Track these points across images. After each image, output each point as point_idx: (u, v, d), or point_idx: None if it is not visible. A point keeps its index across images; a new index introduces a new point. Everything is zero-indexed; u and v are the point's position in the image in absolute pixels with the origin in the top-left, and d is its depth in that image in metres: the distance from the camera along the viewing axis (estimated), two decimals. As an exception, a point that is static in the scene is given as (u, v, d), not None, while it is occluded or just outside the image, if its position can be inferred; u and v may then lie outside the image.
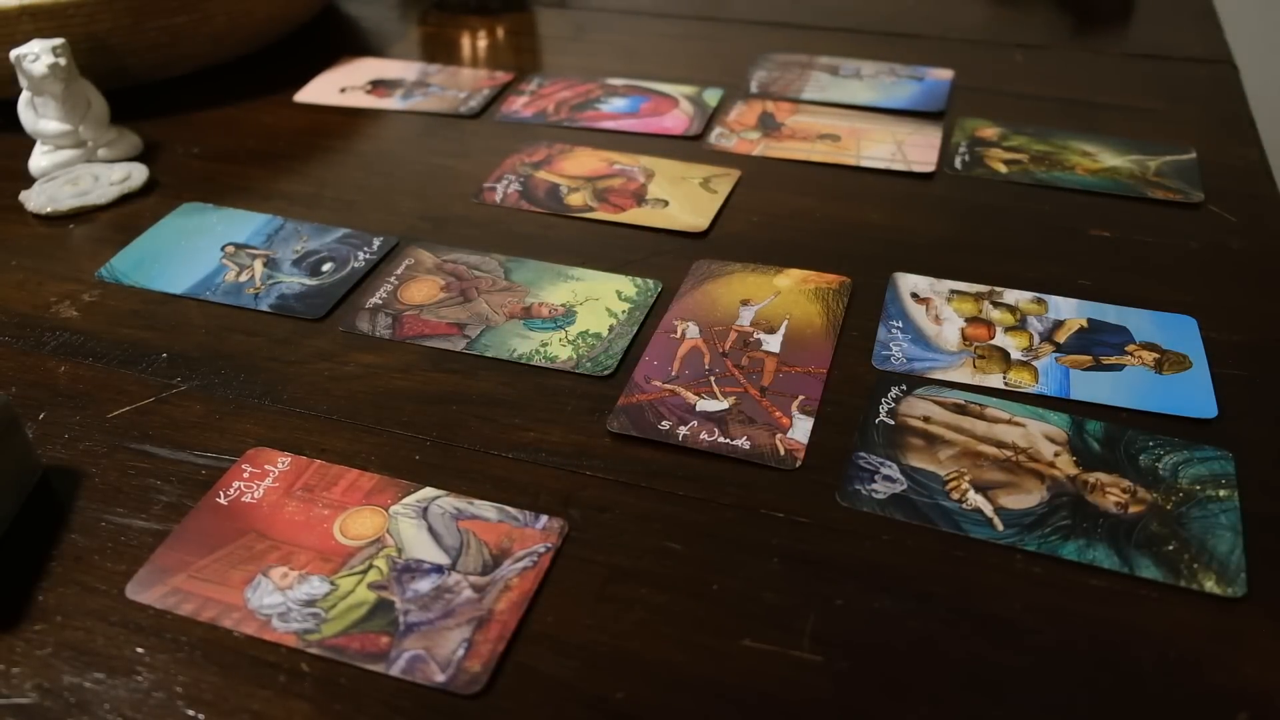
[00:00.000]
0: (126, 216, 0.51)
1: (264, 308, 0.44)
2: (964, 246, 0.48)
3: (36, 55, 0.52)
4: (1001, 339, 0.42)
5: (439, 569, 0.32)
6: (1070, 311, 0.43)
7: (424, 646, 0.30)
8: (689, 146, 0.57)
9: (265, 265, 0.47)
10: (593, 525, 0.34)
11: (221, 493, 0.35)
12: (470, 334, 0.42)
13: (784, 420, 0.38)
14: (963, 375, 0.40)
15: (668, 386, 0.39)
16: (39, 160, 0.54)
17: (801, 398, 0.39)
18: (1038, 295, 0.44)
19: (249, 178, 0.55)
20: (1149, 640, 0.30)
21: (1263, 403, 0.38)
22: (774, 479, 0.35)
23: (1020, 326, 0.42)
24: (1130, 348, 0.41)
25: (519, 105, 0.62)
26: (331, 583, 0.32)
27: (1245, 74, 0.64)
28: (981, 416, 0.38)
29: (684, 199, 0.51)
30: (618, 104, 0.61)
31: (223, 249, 0.48)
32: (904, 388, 0.39)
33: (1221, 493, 0.34)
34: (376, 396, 0.39)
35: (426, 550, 0.33)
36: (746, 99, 0.62)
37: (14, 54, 0.52)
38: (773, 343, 0.42)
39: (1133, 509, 0.34)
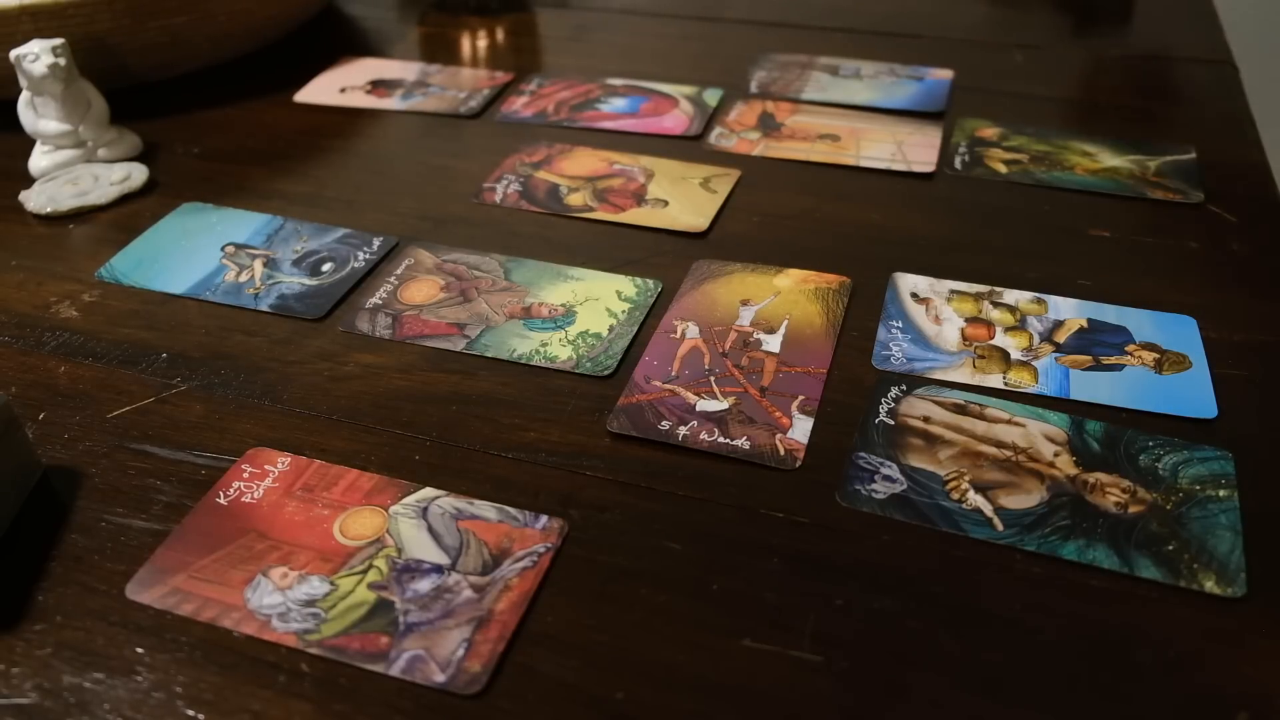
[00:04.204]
0: (126, 216, 0.51)
1: (264, 308, 0.44)
2: (964, 246, 0.48)
3: (36, 55, 0.52)
4: (1001, 339, 0.42)
5: (439, 569, 0.32)
6: (1070, 311, 0.43)
7: (424, 646, 0.30)
8: (689, 146, 0.57)
9: (265, 265, 0.47)
10: (593, 525, 0.34)
11: (221, 493, 0.35)
12: (470, 334, 0.42)
13: (784, 420, 0.38)
14: (963, 375, 0.40)
15: (668, 386, 0.39)
16: (39, 160, 0.54)
17: (801, 398, 0.39)
18: (1038, 295, 0.44)
19: (249, 178, 0.55)
20: (1149, 640, 0.30)
21: (1263, 403, 0.38)
22: (774, 479, 0.35)
23: (1020, 326, 0.42)
24: (1130, 348, 0.41)
25: (519, 105, 0.62)
26: (331, 583, 0.32)
27: (1245, 74, 0.64)
28: (981, 416, 0.38)
29: (684, 199, 0.51)
30: (617, 104, 0.61)
31: (223, 249, 0.48)
32: (904, 388, 0.39)
33: (1221, 493, 0.34)
34: (376, 396, 0.39)
35: (426, 550, 0.33)
36: (746, 99, 0.62)
37: (14, 54, 0.52)
38: (773, 343, 0.42)
39: (1133, 509, 0.34)
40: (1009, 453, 0.36)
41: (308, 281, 0.46)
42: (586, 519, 0.34)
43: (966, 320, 0.43)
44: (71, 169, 0.54)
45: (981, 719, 0.28)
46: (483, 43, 0.72)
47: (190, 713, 0.28)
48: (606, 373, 0.40)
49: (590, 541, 0.33)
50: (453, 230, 0.50)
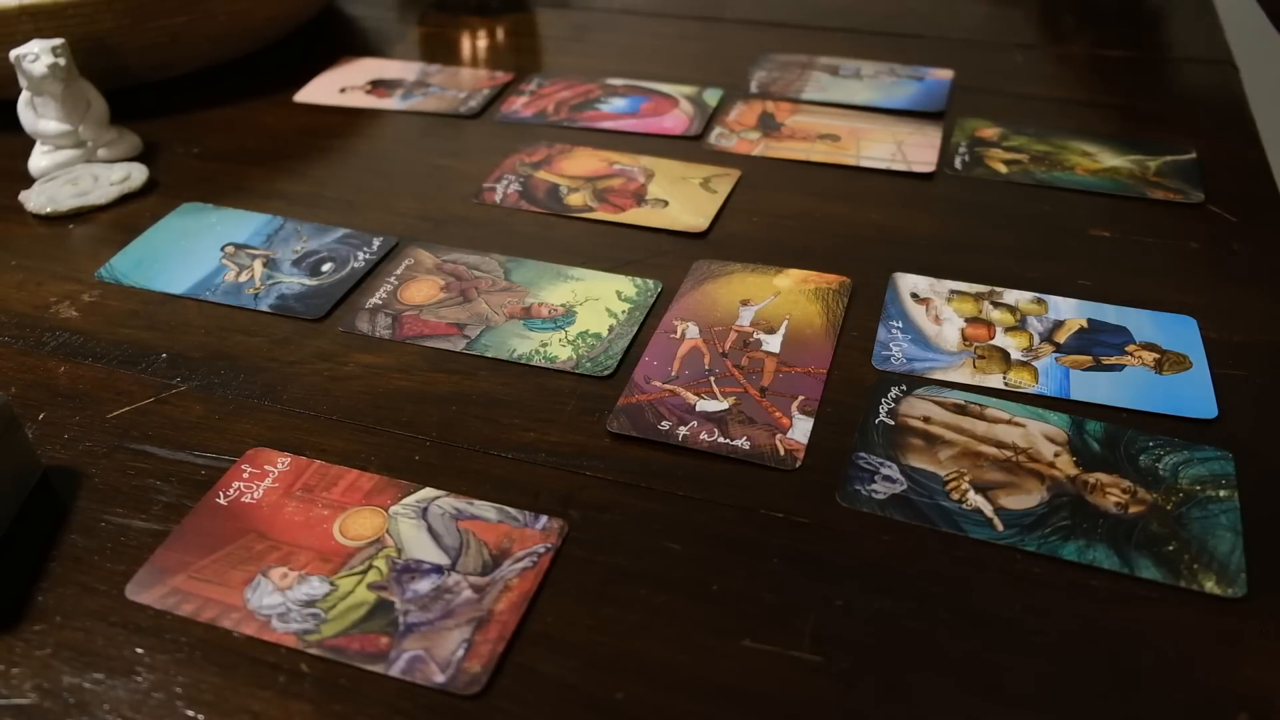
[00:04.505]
0: (126, 216, 0.51)
1: (264, 308, 0.44)
2: (964, 246, 0.48)
3: (36, 55, 0.52)
4: (1001, 339, 0.42)
5: (439, 569, 0.32)
6: (1070, 311, 0.43)
7: (424, 647, 0.30)
8: (689, 146, 0.57)
9: (265, 265, 0.47)
10: (593, 525, 0.34)
11: (221, 493, 0.35)
12: (470, 334, 0.42)
13: (784, 420, 0.38)
14: (963, 375, 0.40)
15: (667, 387, 0.39)
16: (39, 160, 0.54)
17: (801, 398, 0.39)
18: (1038, 295, 0.44)
19: (249, 178, 0.55)
20: (1149, 640, 0.30)
21: (1263, 403, 0.38)
22: (774, 479, 0.35)
23: (1020, 326, 0.42)
24: (1130, 348, 0.41)
25: (519, 105, 0.62)
26: (331, 583, 0.32)
27: (1245, 74, 0.64)
28: (981, 417, 0.38)
29: (684, 199, 0.51)
30: (617, 104, 0.61)
31: (222, 249, 0.48)
32: (904, 388, 0.39)
33: (1221, 493, 0.34)
34: (376, 396, 0.39)
35: (426, 550, 0.33)
36: (746, 99, 0.62)
37: (14, 54, 0.52)
38: (773, 343, 0.42)
39: (1133, 509, 0.34)
40: (1009, 453, 0.36)
41: (308, 281, 0.46)
42: (586, 519, 0.34)
43: (966, 320, 0.43)
44: (71, 169, 0.54)
45: (981, 719, 0.28)
46: (483, 43, 0.72)
47: (190, 713, 0.28)
48: (606, 373, 0.40)
49: (590, 542, 0.33)
50: (453, 230, 0.50)
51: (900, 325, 0.42)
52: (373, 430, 0.38)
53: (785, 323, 0.43)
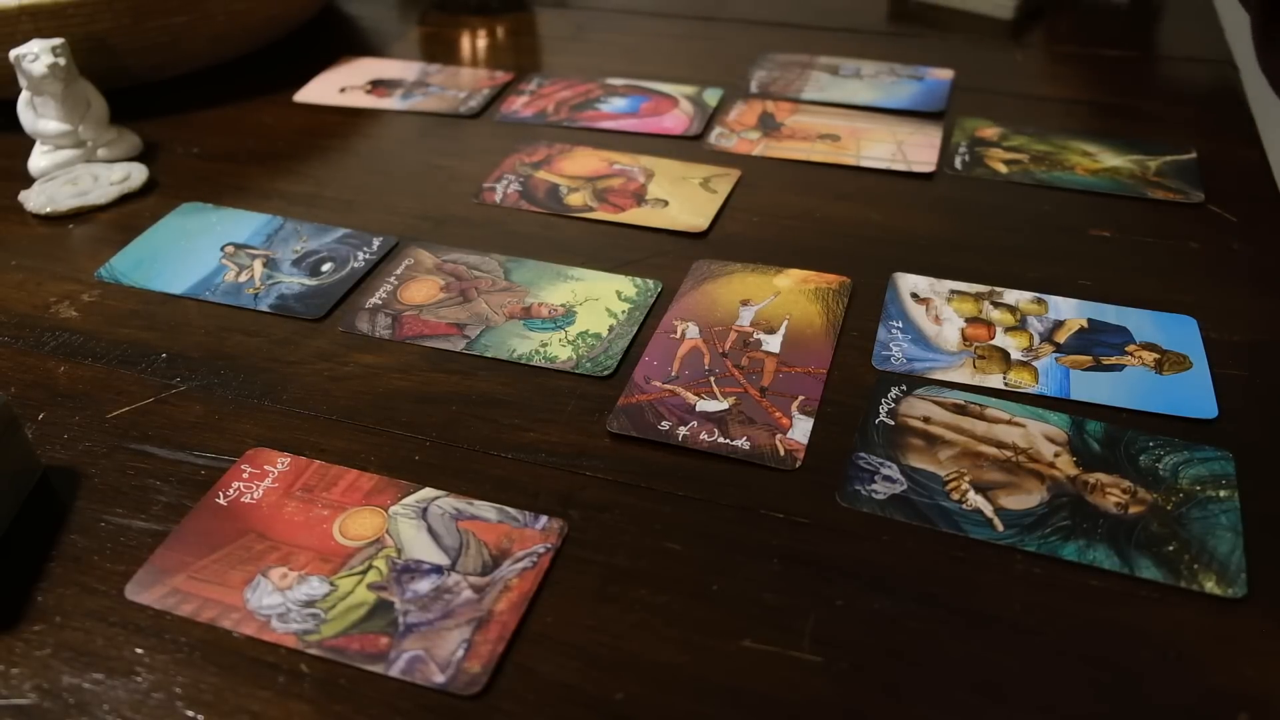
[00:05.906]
0: (126, 216, 0.51)
1: (264, 308, 0.44)
2: (964, 246, 0.48)
3: (36, 55, 0.52)
4: (1001, 339, 0.42)
5: (438, 569, 0.32)
6: (1070, 311, 0.43)
7: (423, 647, 0.30)
8: (689, 146, 0.57)
9: (265, 265, 0.47)
10: (593, 525, 0.34)
11: (221, 493, 0.35)
12: (470, 334, 0.42)
13: (784, 420, 0.38)
14: (963, 375, 0.40)
15: (667, 387, 0.39)
16: (39, 160, 0.54)
17: (801, 398, 0.39)
18: (1038, 295, 0.44)
19: (249, 178, 0.55)
20: (1149, 640, 0.30)
21: (1263, 403, 0.38)
22: (774, 479, 0.35)
23: (1020, 327, 0.42)
24: (1130, 348, 0.41)
25: (519, 105, 0.62)
26: (331, 583, 0.32)
27: (1245, 74, 0.64)
28: (981, 417, 0.38)
29: (684, 199, 0.51)
30: (618, 104, 0.61)
31: (222, 249, 0.48)
32: (904, 388, 0.39)
33: (1221, 493, 0.34)
34: (376, 396, 0.39)
35: (426, 551, 0.33)
36: (746, 99, 0.62)
37: (14, 54, 0.52)
38: (773, 343, 0.42)
39: (1133, 509, 0.34)
40: (1009, 453, 0.36)
41: (307, 281, 0.46)
42: (586, 519, 0.34)
43: (967, 320, 0.43)
44: (71, 169, 0.54)
45: (981, 719, 0.28)
46: (483, 42, 0.72)
47: (190, 713, 0.28)
48: (606, 373, 0.40)
49: (590, 542, 0.33)
50: (453, 230, 0.50)
51: (900, 325, 0.42)
52: (372, 430, 0.38)
53: (785, 323, 0.43)
